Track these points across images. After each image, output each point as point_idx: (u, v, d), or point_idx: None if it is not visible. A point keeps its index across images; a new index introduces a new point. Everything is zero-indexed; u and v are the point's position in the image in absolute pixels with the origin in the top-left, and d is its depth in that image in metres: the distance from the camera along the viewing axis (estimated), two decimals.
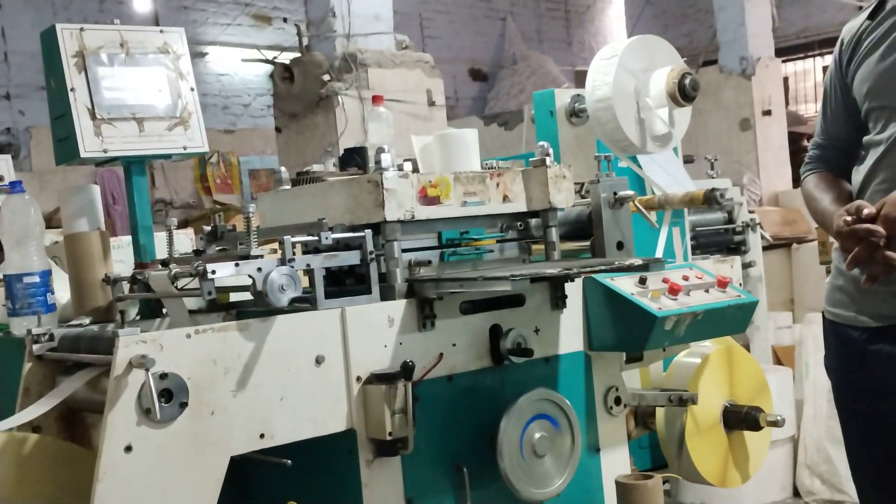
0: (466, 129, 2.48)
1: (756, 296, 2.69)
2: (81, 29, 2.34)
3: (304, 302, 2.00)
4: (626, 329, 2.31)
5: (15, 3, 9.41)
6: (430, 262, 2.25)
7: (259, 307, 1.99)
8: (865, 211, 1.79)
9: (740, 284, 3.12)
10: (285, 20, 10.41)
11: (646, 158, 3.17)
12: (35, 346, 2.12)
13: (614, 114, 2.89)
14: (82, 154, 2.28)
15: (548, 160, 2.40)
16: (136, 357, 1.73)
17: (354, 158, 2.38)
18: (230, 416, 1.84)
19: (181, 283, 2.11)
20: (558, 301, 2.32)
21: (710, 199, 2.94)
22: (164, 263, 2.27)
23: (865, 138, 2.04)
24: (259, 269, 1.90)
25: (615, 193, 2.56)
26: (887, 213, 1.77)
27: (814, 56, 11.90)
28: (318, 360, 1.95)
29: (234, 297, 2.37)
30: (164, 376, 1.76)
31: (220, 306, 2.33)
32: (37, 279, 2.28)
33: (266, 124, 9.74)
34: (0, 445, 1.95)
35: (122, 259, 2.61)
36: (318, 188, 2.29)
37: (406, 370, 1.96)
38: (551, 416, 2.23)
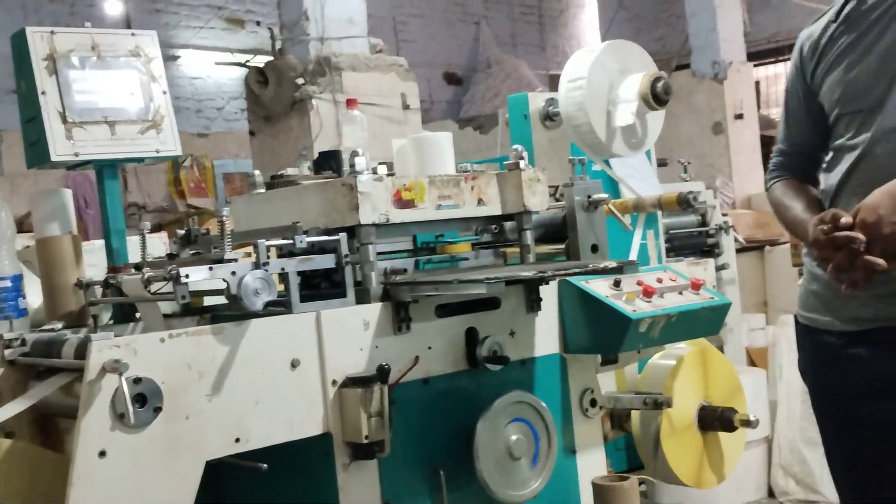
0: (441, 133, 2.48)
1: (729, 298, 2.72)
2: (52, 32, 2.33)
3: (279, 305, 1.99)
4: (601, 331, 2.32)
5: None
6: (405, 270, 2.26)
7: (234, 311, 1.98)
8: (843, 219, 1.80)
9: (714, 287, 3.14)
10: (258, 23, 10.37)
11: (619, 161, 3.18)
12: (7, 351, 2.10)
13: (588, 117, 2.90)
14: (53, 158, 2.26)
15: (522, 163, 2.40)
16: (110, 362, 1.71)
17: (329, 162, 2.38)
18: (205, 421, 1.83)
19: (154, 287, 2.10)
20: (533, 304, 2.33)
21: (684, 202, 2.96)
22: (138, 267, 2.25)
23: (836, 143, 2.05)
24: (233, 273, 1.90)
25: (589, 196, 2.57)
26: (863, 218, 1.78)
27: (785, 60, 12.01)
28: (294, 364, 1.95)
29: (209, 300, 2.36)
30: (137, 381, 1.74)
31: (194, 310, 2.31)
32: (8, 283, 2.26)
33: (240, 128, 9.70)
34: None
35: (94, 263, 2.58)
36: (292, 192, 2.28)
37: (382, 373, 1.96)
38: (527, 418, 2.23)
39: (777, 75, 12.13)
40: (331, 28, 4.65)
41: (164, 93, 2.44)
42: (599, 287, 2.32)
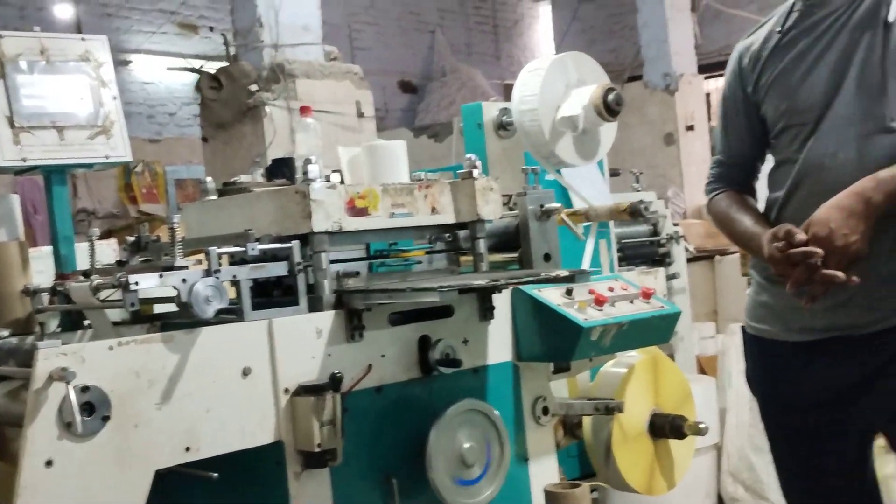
0: (395, 141, 2.48)
1: (680, 306, 2.75)
2: (0, 36, 2.29)
3: (231, 313, 1.98)
4: (553, 339, 2.33)
5: None
6: (358, 273, 2.25)
7: (184, 319, 1.96)
8: (798, 237, 1.81)
9: (664, 295, 3.18)
10: (212, 29, 10.29)
11: (572, 171, 3.21)
12: None
13: (541, 127, 2.93)
14: (0, 163, 2.22)
15: (475, 172, 2.42)
16: (57, 370, 1.69)
17: (282, 169, 2.37)
18: (154, 430, 1.81)
19: (103, 294, 2.07)
20: (486, 312, 2.34)
21: (636, 212, 3.00)
22: (86, 274, 2.23)
23: (781, 155, 2.08)
24: (184, 281, 1.88)
25: (542, 206, 2.59)
26: (815, 233, 1.81)
27: None
28: (245, 372, 1.93)
29: (160, 308, 2.33)
30: (85, 389, 1.72)
31: (144, 318, 2.29)
32: None
33: (193, 134, 9.61)
34: None
35: (42, 270, 2.54)
36: (244, 199, 2.27)
37: (334, 382, 1.96)
38: (480, 426, 2.24)
39: None
40: (285, 35, 4.63)
41: (115, 98, 2.41)
42: (552, 296, 2.34)
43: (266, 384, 1.96)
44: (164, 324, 2.23)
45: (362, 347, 2.10)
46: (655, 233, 4.31)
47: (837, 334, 1.99)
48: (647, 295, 2.47)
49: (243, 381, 1.93)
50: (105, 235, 4.80)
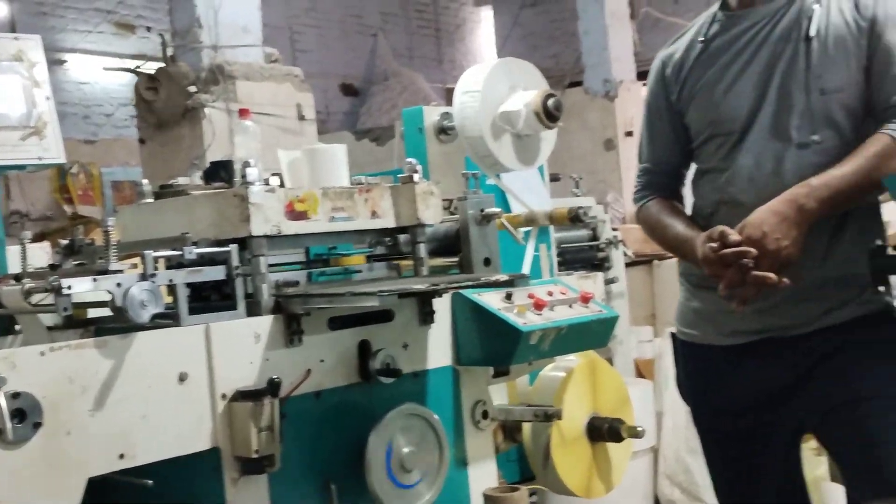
0: (335, 145, 2.47)
1: (619, 311, 2.79)
2: None
3: (167, 318, 1.95)
4: (492, 344, 2.35)
5: None
6: (297, 282, 2.24)
7: (119, 324, 1.93)
8: (732, 237, 1.84)
9: (603, 300, 3.21)
10: (149, 29, 10.14)
11: (512, 176, 3.23)
12: None
13: (481, 132, 2.94)
14: None
15: (416, 177, 2.42)
16: None
17: (220, 172, 2.35)
18: (88, 436, 1.78)
19: (35, 298, 2.03)
20: (426, 316, 2.34)
21: (575, 217, 3.03)
22: (17, 278, 2.17)
23: (707, 164, 2.10)
24: (118, 285, 1.85)
25: (482, 210, 2.60)
26: (749, 235, 1.84)
27: None
28: (182, 378, 1.91)
29: (94, 313, 2.29)
30: (16, 395, 1.68)
31: (78, 323, 2.24)
32: None
33: (130, 135, 9.45)
34: None
35: None
36: (181, 202, 2.24)
37: (273, 387, 1.94)
38: (419, 431, 2.24)
39: None
40: (224, 36, 4.58)
41: (48, 98, 2.37)
42: (492, 300, 2.35)
43: (203, 390, 1.94)
44: (99, 329, 2.19)
45: (301, 352, 2.09)
46: (595, 237, 4.35)
47: (769, 336, 2.03)
48: (585, 299, 2.50)
49: (180, 386, 1.90)
50: (38, 238, 4.70)
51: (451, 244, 2.62)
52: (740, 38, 2.02)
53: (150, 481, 1.90)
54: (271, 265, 2.17)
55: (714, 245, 1.86)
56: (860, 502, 2.01)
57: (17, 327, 2.26)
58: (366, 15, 12.53)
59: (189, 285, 2.01)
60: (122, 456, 1.82)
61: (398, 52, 12.76)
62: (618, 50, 8.47)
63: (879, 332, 2.01)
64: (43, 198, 9.39)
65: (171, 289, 1.97)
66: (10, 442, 1.67)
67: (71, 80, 10.19)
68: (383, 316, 2.25)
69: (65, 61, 10.13)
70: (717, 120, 2.03)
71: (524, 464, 2.99)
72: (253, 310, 2.08)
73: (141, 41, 10.28)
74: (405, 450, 2.19)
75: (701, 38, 2.08)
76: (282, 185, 2.27)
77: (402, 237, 2.47)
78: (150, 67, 4.83)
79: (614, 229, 4.55)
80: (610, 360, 3.93)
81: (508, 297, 2.35)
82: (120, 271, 1.88)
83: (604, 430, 2.87)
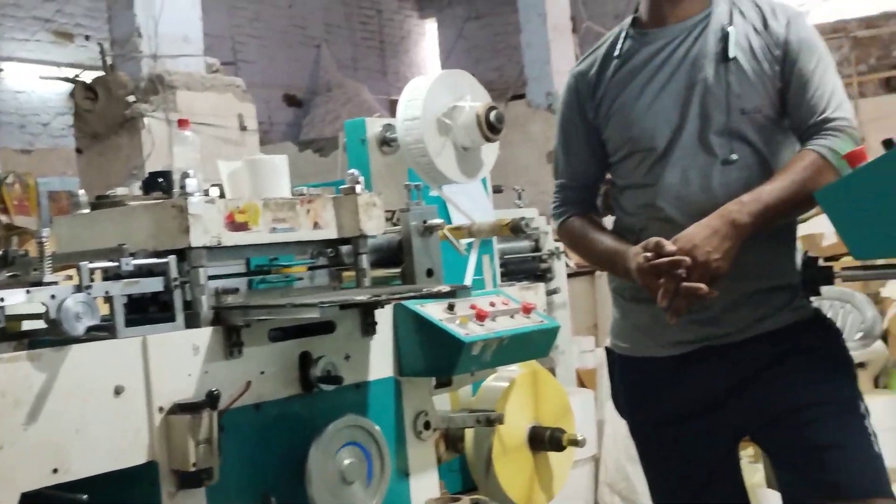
0: (276, 155, 2.46)
1: (560, 321, 2.82)
2: None
3: (103, 330, 1.92)
4: (435, 354, 2.35)
5: None
6: (237, 290, 2.22)
7: (54, 336, 1.89)
8: (667, 248, 1.87)
9: (545, 310, 3.24)
10: (87, 38, 9.99)
11: (455, 188, 3.24)
12: None
13: (424, 144, 2.95)
14: None
15: (358, 188, 2.42)
16: None
17: (159, 182, 2.32)
18: (20, 451, 1.74)
19: None
20: (368, 327, 2.34)
21: (517, 229, 3.05)
22: None
23: (625, 180, 2.10)
24: (53, 297, 1.82)
25: (425, 221, 2.61)
26: (681, 246, 1.88)
27: None
28: (118, 391, 1.88)
29: (28, 325, 2.24)
30: None
31: (11, 335, 2.19)
32: None
33: (67, 144, 9.28)
34: None
35: None
36: (119, 212, 2.21)
37: (211, 399, 1.92)
38: (361, 442, 2.23)
39: None
40: (165, 46, 4.53)
41: None
42: (434, 311, 2.35)
43: (139, 403, 1.91)
44: (33, 341, 2.14)
45: (241, 364, 2.07)
46: (537, 248, 4.38)
47: (708, 344, 2.06)
48: (527, 310, 2.52)
49: (115, 399, 1.87)
50: None
51: (394, 255, 2.62)
52: (656, 55, 2.05)
53: (85, 496, 1.86)
54: (211, 276, 2.15)
55: (649, 255, 1.89)
56: None
57: None
58: (310, 26, 12.49)
59: (127, 297, 1.99)
60: (55, 470, 1.79)
61: (342, 63, 12.74)
62: (560, 63, 8.56)
63: (816, 339, 2.08)
64: None
65: (108, 300, 1.94)
66: None
67: (7, 89, 9.99)
68: (325, 327, 2.25)
69: (1, 70, 9.93)
70: (637, 137, 2.05)
71: (466, 474, 3.00)
72: (192, 321, 2.06)
73: (79, 50, 10.12)
74: (346, 461, 2.18)
75: (616, 54, 2.10)
76: (222, 196, 2.25)
77: (345, 248, 2.46)
78: (89, 77, 4.75)
79: (556, 240, 4.58)
80: (552, 370, 3.95)
81: (451, 307, 2.36)
82: (55, 283, 1.85)
83: (545, 440, 2.89)
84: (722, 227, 1.88)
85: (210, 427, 1.91)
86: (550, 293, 4.31)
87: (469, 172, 3.11)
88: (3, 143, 9.52)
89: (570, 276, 4.85)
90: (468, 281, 3.08)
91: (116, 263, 1.97)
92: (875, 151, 1.90)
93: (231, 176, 2.45)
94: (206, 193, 2.13)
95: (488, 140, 3.03)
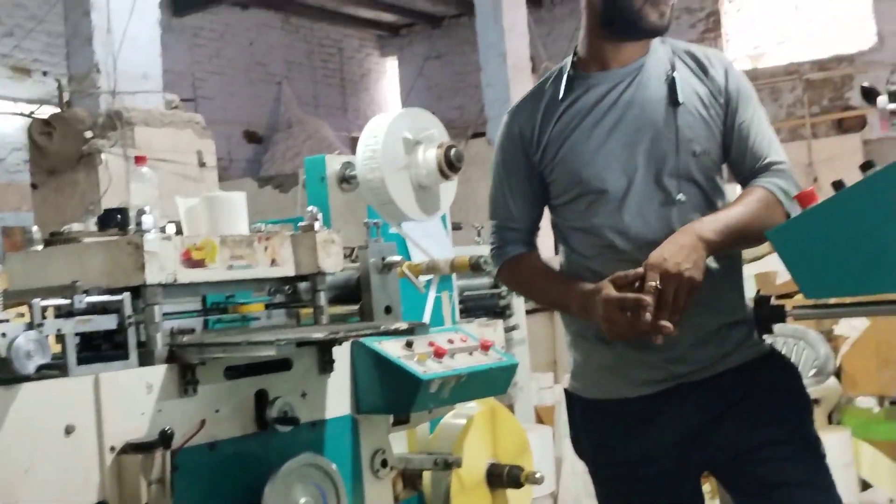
0: (234, 192, 2.46)
1: (519, 358, 2.82)
2: None
3: (55, 369, 1.89)
4: (392, 392, 2.34)
5: None
6: (193, 329, 2.20)
7: (3, 375, 1.86)
8: (650, 283, 1.85)
9: (503, 347, 3.25)
10: (45, 74, 9.92)
11: (414, 225, 3.26)
12: None
13: (384, 182, 2.96)
14: None
15: (317, 225, 2.42)
16: None
17: (114, 219, 2.30)
18: None
19: None
20: (326, 365, 2.33)
21: (476, 266, 3.07)
22: None
23: (574, 222, 2.09)
24: (3, 335, 1.79)
25: (384, 258, 2.61)
26: (652, 262, 1.86)
27: None
28: (69, 430, 1.85)
29: None
30: None
31: None
32: None
33: (22, 180, 9.17)
34: None
35: None
36: (73, 249, 2.19)
37: (164, 438, 1.90)
38: (317, 481, 2.21)
39: None
40: (124, 82, 4.51)
41: None
42: (392, 348, 2.35)
43: (91, 442, 1.88)
44: None
45: (196, 402, 2.05)
46: (496, 285, 4.39)
47: (677, 383, 2.06)
48: (485, 347, 2.52)
49: (66, 439, 1.84)
50: None
51: (352, 292, 2.62)
52: (603, 98, 2.08)
53: None
54: (167, 313, 2.13)
55: (613, 295, 1.88)
56: None
57: None
58: (271, 63, 12.52)
59: (79, 335, 1.96)
60: None
61: (303, 100, 12.77)
62: None
63: (776, 377, 2.10)
64: None
65: (61, 338, 1.92)
66: None
67: None
68: (281, 365, 2.23)
69: None
70: (588, 179, 2.05)
71: None
72: (146, 359, 2.03)
73: (37, 85, 10.04)
74: (302, 500, 2.16)
75: (561, 97, 2.11)
76: (179, 233, 2.24)
77: (303, 285, 2.45)
78: (46, 112, 4.72)
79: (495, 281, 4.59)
80: (511, 407, 3.96)
81: (409, 345, 2.36)
82: (6, 320, 1.83)
83: (503, 477, 2.89)
84: (688, 241, 1.90)
85: (163, 467, 1.89)
86: (509, 330, 4.32)
87: (428, 210, 3.13)
88: None
89: (528, 312, 4.86)
90: (427, 318, 3.09)
91: (69, 301, 1.95)
92: (827, 192, 1.94)
93: (189, 212, 2.44)
94: (163, 230, 2.12)
95: (447, 178, 3.05)
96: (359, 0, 12.74)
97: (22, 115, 5.15)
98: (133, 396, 1.96)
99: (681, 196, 2.04)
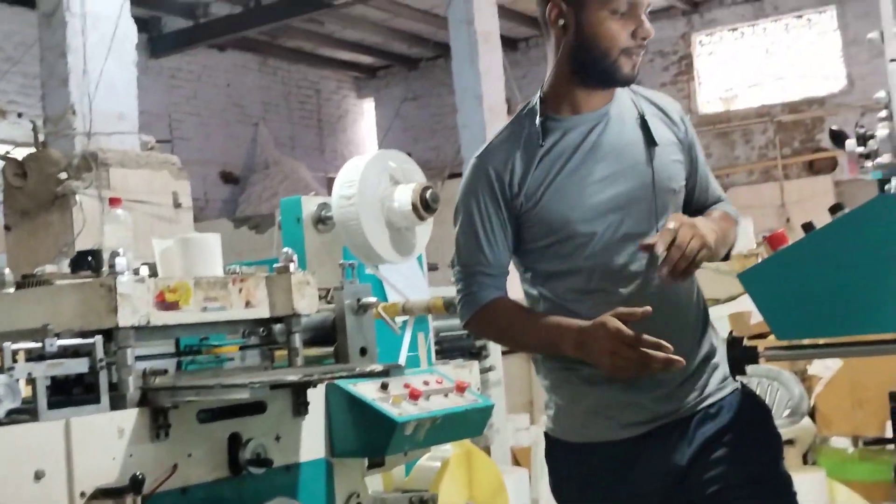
0: (209, 234, 2.46)
1: (495, 399, 2.82)
2: None
3: (25, 413, 1.87)
4: (367, 434, 2.33)
5: None
6: (165, 371, 2.19)
7: None
8: (670, 225, 1.89)
9: (479, 388, 3.24)
10: (20, 115, 9.90)
11: (389, 266, 3.26)
12: None
13: (360, 223, 2.97)
14: None
15: (292, 266, 2.42)
16: None
17: (87, 261, 2.29)
18: None
19: None
20: (300, 407, 2.31)
21: (452, 306, 3.07)
22: None
23: (555, 266, 2.08)
24: None
25: (359, 300, 2.61)
26: (671, 229, 1.89)
27: None
28: (38, 476, 1.83)
29: None
30: None
31: None
32: None
33: None
34: None
35: None
36: (45, 292, 2.18)
37: (135, 483, 1.87)
38: None
39: None
40: (99, 123, 4.50)
41: None
42: (367, 390, 2.34)
43: (60, 488, 1.86)
44: None
45: (168, 446, 2.03)
46: None
47: (662, 423, 2.07)
48: (461, 388, 2.52)
49: (35, 485, 1.82)
50: None
51: (327, 334, 2.61)
52: (582, 142, 2.09)
53: None
54: (139, 356, 2.12)
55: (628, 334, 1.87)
56: None
57: None
58: (248, 104, 12.56)
59: (51, 378, 1.94)
60: None
61: (280, 141, 12.80)
62: None
63: (750, 416, 2.12)
64: None
65: (31, 382, 1.90)
66: None
67: None
68: (255, 408, 2.22)
69: None
70: (575, 222, 2.06)
71: None
72: (117, 403, 2.02)
73: (12, 127, 10.00)
74: None
75: (541, 143, 2.12)
76: (153, 275, 2.23)
77: (277, 327, 2.45)
78: (20, 153, 4.70)
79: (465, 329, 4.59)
80: (487, 449, 3.94)
81: (384, 387, 2.35)
82: None
83: None
84: (686, 218, 1.95)
85: None
86: (485, 371, 4.32)
87: (403, 251, 3.14)
88: None
89: (504, 353, 4.86)
90: (402, 359, 3.08)
91: (40, 344, 1.93)
92: (799, 233, 1.97)
93: (163, 254, 2.43)
94: (136, 272, 2.11)
95: (422, 219, 3.06)
96: (336, 42, 12.84)
97: None
98: (104, 441, 1.94)
99: None
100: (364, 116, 14.58)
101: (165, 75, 11.40)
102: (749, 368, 2.16)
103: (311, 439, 2.33)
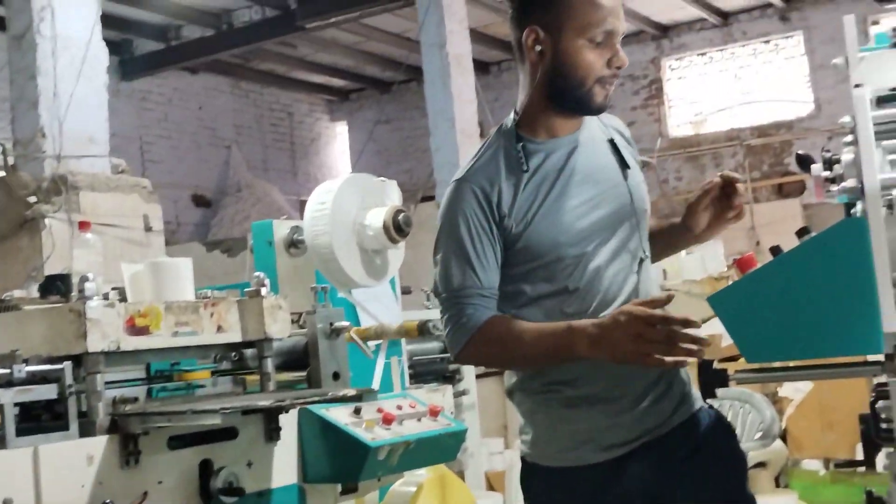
0: (179, 258, 2.44)
1: (469, 423, 2.81)
2: None
3: None
4: (340, 459, 2.32)
5: None
6: (136, 398, 2.17)
7: None
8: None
9: (453, 412, 3.23)
10: None
11: (362, 289, 3.25)
12: None
13: (332, 247, 2.96)
14: None
15: (264, 290, 2.41)
16: None
17: (56, 286, 2.27)
18: None
19: None
20: (272, 433, 2.30)
21: (425, 330, 3.06)
22: None
23: (544, 288, 2.07)
24: None
25: (331, 324, 2.60)
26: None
27: None
28: None
29: None
30: None
31: None
32: None
33: None
34: None
35: None
36: (13, 317, 2.15)
37: None
38: None
39: None
40: (69, 146, 4.48)
41: None
42: (339, 415, 2.33)
43: None
44: None
45: (138, 474, 2.01)
46: (445, 350, 4.39)
47: (646, 440, 2.07)
48: (434, 413, 2.51)
49: None
50: None
51: (300, 358, 2.60)
52: (564, 165, 2.11)
53: None
54: (109, 382, 2.09)
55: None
56: None
57: None
58: (220, 127, 12.54)
59: (19, 405, 1.92)
60: None
61: (252, 163, 12.78)
62: None
63: (717, 437, 2.13)
64: None
65: (0, 409, 1.87)
66: None
67: None
68: (227, 433, 2.20)
69: None
70: (564, 245, 2.06)
71: None
72: (87, 430, 1.99)
73: None
74: None
75: (525, 169, 2.13)
76: (123, 300, 2.21)
77: (249, 351, 2.43)
78: None
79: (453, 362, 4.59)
80: (461, 474, 3.92)
81: (357, 411, 2.34)
82: None
83: None
84: None
85: None
86: (459, 395, 4.31)
87: (375, 275, 3.13)
88: None
89: (478, 377, 4.85)
90: (375, 384, 3.06)
91: (8, 370, 1.91)
92: (767, 256, 1.99)
93: (133, 278, 2.41)
94: (106, 297, 2.09)
95: (395, 242, 3.06)
96: (308, 65, 12.86)
97: None
98: (73, 468, 1.91)
99: (644, 252, 2.12)
100: (337, 139, 14.59)
101: (137, 98, 11.37)
102: (720, 391, 2.18)
103: (284, 465, 2.32)
